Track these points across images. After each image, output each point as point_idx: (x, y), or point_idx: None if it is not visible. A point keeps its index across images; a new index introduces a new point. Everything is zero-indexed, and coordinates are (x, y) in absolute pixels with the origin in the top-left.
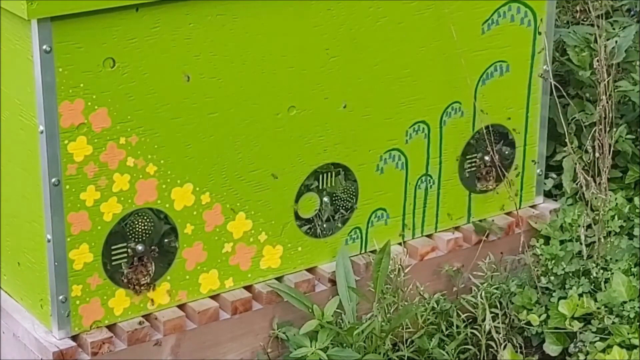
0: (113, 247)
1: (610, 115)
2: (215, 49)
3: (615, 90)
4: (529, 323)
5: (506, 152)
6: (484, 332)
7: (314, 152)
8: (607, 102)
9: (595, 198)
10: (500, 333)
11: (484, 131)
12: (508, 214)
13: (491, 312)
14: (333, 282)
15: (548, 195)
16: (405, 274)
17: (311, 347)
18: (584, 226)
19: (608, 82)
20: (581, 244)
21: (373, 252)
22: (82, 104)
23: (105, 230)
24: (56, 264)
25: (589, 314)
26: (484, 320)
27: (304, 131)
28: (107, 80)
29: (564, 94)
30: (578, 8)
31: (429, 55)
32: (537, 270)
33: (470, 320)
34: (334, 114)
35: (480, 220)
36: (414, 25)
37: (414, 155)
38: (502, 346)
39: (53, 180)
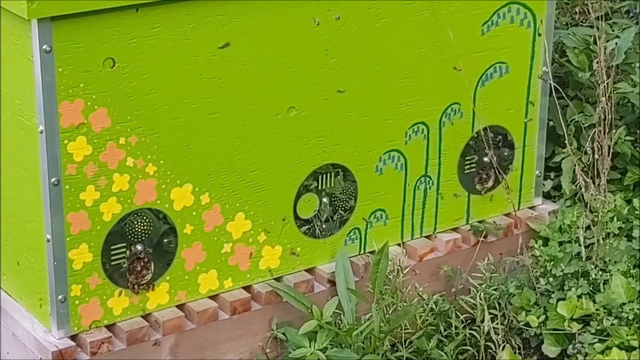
0: (112, 247)
1: (610, 116)
2: (215, 49)
3: (615, 92)
4: (527, 324)
5: (505, 153)
6: (483, 333)
7: (313, 153)
8: (607, 104)
9: (594, 199)
10: (499, 334)
11: (483, 132)
12: (507, 215)
13: (490, 313)
14: (332, 282)
15: (547, 196)
16: (404, 274)
17: (310, 347)
18: (583, 227)
19: (607, 83)
20: (580, 245)
21: (372, 252)
22: (81, 104)
23: (105, 230)
24: (55, 263)
25: (588, 316)
26: (482, 321)
27: (303, 132)
28: (107, 80)
29: (564, 95)
30: (577, 10)
31: (428, 56)
32: (536, 272)
33: (469, 321)
34: (334, 115)
35: (479, 222)
36: (413, 26)
37: (413, 156)
38: (501, 347)
39: (53, 180)
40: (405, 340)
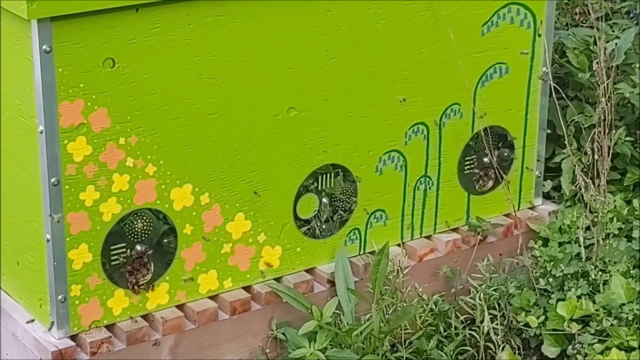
0: (112, 247)
1: (610, 117)
2: (215, 49)
3: (615, 93)
4: (527, 325)
5: (505, 154)
6: (483, 333)
7: (313, 153)
8: (607, 105)
9: (594, 200)
10: (498, 334)
11: (483, 133)
12: (507, 215)
13: (489, 314)
14: (332, 283)
15: (547, 197)
16: (404, 275)
17: (310, 347)
18: (582, 228)
19: (607, 84)
20: (580, 245)
21: (372, 253)
22: (81, 104)
23: (105, 230)
24: (55, 263)
25: (588, 316)
26: (482, 321)
27: (303, 132)
28: (107, 81)
29: (563, 96)
30: (577, 10)
31: (428, 57)
32: (536, 272)
33: (469, 321)
34: (334, 115)
35: (478, 222)
36: (413, 27)
37: (413, 157)
38: (501, 347)
39: (52, 180)
40: (405, 341)
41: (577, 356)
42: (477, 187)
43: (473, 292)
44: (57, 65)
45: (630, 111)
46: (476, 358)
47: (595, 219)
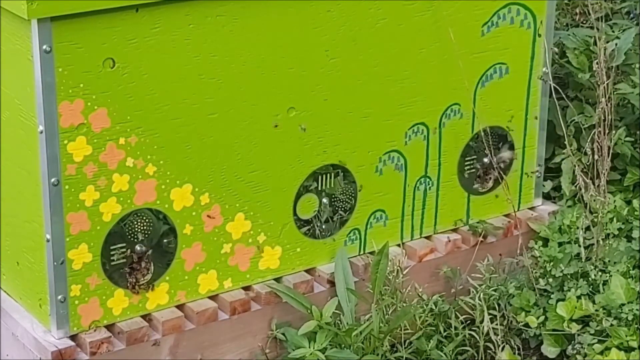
0: (112, 247)
1: (610, 117)
2: (215, 49)
3: (615, 93)
4: (527, 325)
5: (505, 154)
6: (482, 333)
7: (313, 154)
8: (607, 105)
9: (594, 200)
10: (498, 335)
11: (483, 133)
12: (507, 215)
13: (489, 314)
14: (332, 283)
15: (547, 197)
16: (403, 275)
17: (309, 347)
18: (582, 228)
19: (607, 84)
20: (580, 246)
21: (372, 253)
22: (81, 104)
23: (105, 230)
24: (55, 263)
25: (587, 316)
26: (482, 321)
27: (303, 132)
28: (107, 81)
29: (563, 96)
30: (578, 10)
31: (428, 57)
32: (536, 272)
33: (469, 321)
34: (334, 115)
35: (477, 222)
36: (413, 27)
37: (413, 157)
38: (500, 348)
39: (52, 180)
40: (404, 341)
41: (577, 356)
42: (477, 188)
43: (473, 292)
44: (57, 65)
45: (630, 111)
46: (476, 358)
47: (595, 219)
